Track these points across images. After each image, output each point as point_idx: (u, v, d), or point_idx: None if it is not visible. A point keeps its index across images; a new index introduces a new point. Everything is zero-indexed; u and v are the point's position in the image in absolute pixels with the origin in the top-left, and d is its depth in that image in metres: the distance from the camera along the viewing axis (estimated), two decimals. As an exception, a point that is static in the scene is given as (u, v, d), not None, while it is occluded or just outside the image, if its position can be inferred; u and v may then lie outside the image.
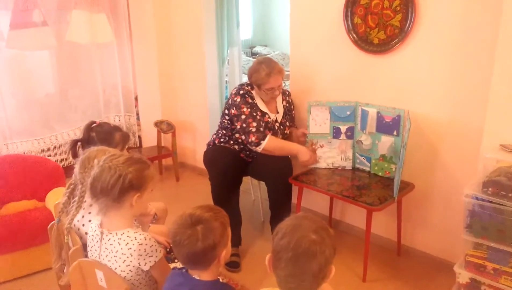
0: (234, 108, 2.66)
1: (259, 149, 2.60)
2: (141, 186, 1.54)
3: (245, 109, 2.63)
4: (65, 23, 3.69)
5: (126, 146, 2.31)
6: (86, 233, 1.71)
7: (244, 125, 2.61)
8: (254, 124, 2.60)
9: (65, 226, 1.72)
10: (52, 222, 1.83)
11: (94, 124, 2.21)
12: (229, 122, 2.75)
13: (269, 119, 2.73)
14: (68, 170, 2.73)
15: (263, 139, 2.57)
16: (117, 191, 1.49)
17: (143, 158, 1.62)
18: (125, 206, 1.53)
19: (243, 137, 2.65)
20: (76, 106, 4.05)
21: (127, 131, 2.50)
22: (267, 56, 6.19)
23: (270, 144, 2.59)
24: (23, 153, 3.53)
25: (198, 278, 1.38)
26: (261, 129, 2.60)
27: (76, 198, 1.75)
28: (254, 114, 2.63)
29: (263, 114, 2.72)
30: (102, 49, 4.02)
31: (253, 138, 2.58)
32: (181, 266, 1.48)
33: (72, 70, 3.99)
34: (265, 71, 2.60)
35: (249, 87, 2.75)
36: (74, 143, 2.15)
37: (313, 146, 2.67)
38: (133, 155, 1.62)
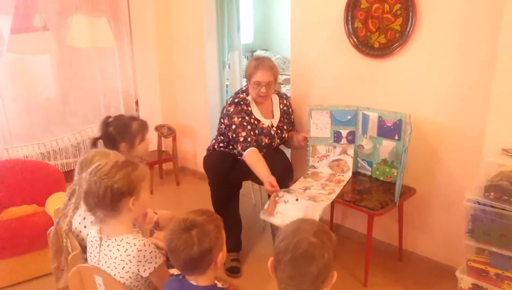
0: (227, 118, 2.66)
1: (242, 158, 2.56)
2: (133, 190, 1.51)
3: (235, 119, 2.62)
4: (66, 27, 3.70)
5: (147, 134, 2.25)
6: (87, 235, 1.69)
7: (234, 135, 2.60)
8: (243, 133, 2.58)
9: (63, 229, 1.71)
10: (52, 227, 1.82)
11: (110, 119, 2.18)
12: (225, 129, 2.74)
13: (264, 126, 2.72)
14: (68, 175, 2.72)
15: (245, 150, 2.54)
16: (109, 202, 1.47)
17: (129, 160, 1.58)
18: (123, 212, 1.51)
19: (234, 146, 2.65)
20: (76, 110, 4.06)
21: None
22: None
23: (248, 157, 2.53)
24: (23, 157, 3.53)
25: (195, 283, 1.37)
26: (249, 139, 2.57)
27: (73, 200, 1.74)
28: (245, 123, 2.61)
29: (257, 120, 2.71)
30: (103, 54, 4.03)
31: (239, 148, 2.56)
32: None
33: (73, 74, 4.00)
34: (255, 63, 2.65)
35: (245, 94, 2.75)
36: (94, 141, 2.11)
37: (276, 198, 2.39)
38: (119, 159, 1.58)
